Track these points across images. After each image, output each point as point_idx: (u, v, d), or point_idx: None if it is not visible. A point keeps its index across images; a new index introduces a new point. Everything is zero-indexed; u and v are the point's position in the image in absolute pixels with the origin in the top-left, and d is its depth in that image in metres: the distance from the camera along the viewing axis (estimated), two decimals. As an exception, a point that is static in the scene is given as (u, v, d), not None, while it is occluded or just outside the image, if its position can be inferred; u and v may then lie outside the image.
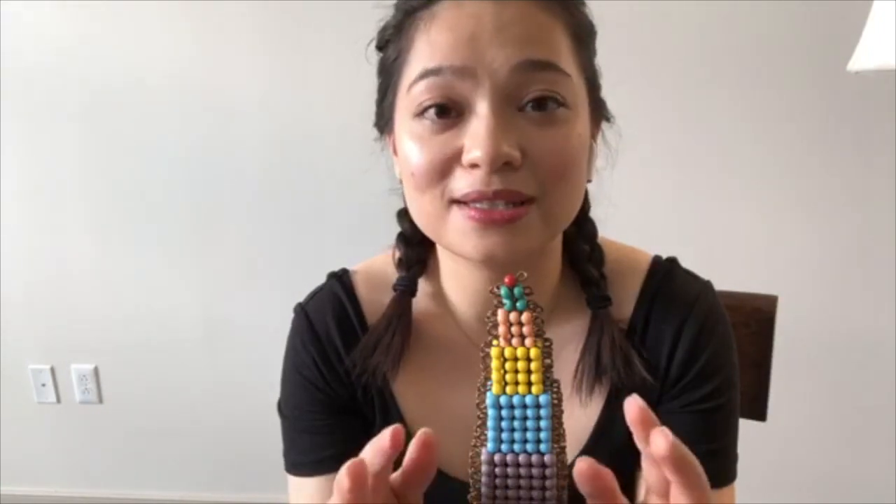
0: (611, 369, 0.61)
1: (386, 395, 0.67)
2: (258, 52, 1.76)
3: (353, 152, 1.82)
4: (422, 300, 0.67)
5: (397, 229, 0.69)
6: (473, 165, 0.52)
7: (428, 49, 0.53)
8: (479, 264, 0.59)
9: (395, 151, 0.61)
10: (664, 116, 1.66)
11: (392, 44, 0.59)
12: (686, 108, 1.66)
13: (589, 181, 0.62)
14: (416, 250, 0.67)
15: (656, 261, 0.68)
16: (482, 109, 0.51)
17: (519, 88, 0.52)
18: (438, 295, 0.67)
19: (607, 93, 0.63)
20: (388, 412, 0.67)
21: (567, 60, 0.54)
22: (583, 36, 0.58)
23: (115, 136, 1.85)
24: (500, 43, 0.51)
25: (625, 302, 0.66)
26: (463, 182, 0.53)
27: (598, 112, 0.61)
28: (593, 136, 0.61)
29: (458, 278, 0.64)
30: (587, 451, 0.64)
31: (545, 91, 0.53)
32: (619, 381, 0.61)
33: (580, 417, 0.64)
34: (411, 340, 0.66)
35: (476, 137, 0.51)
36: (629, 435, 0.56)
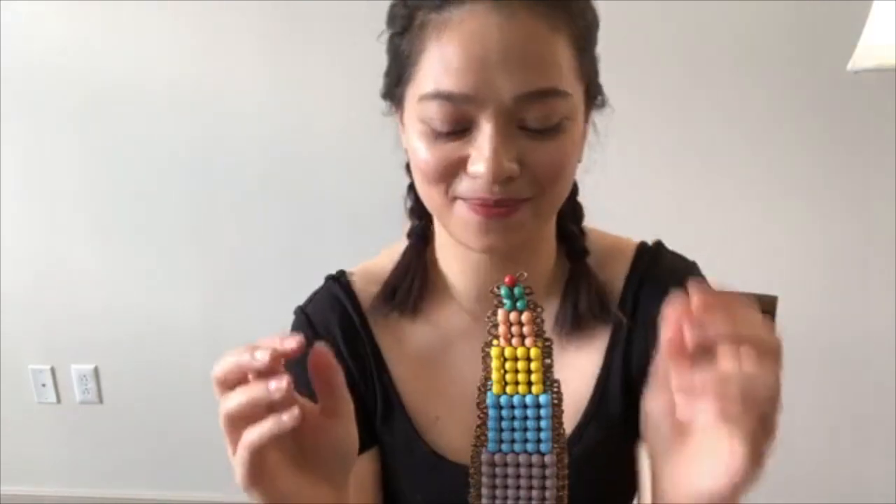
0: (587, 314, 0.65)
1: (385, 383, 0.68)
2: (258, 53, 1.76)
3: (352, 154, 1.82)
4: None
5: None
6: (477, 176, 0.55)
7: (440, 66, 0.55)
8: None
9: (402, 125, 0.63)
10: (663, 117, 1.66)
11: (404, 38, 0.59)
12: (686, 109, 1.66)
13: (579, 161, 0.63)
14: (420, 213, 0.70)
15: (643, 244, 0.71)
16: (487, 129, 0.54)
17: (521, 111, 0.55)
18: (434, 269, 0.70)
19: (610, 94, 0.63)
20: (389, 399, 0.68)
21: (568, 77, 0.56)
22: (585, 44, 0.59)
23: (114, 137, 1.85)
24: (507, 70, 0.53)
25: (614, 283, 0.68)
26: (468, 187, 0.57)
27: (593, 97, 0.63)
28: (585, 120, 0.62)
29: (455, 247, 0.66)
30: (589, 411, 0.66)
31: (547, 114, 0.55)
32: (616, 337, 0.66)
33: (576, 371, 0.66)
34: (411, 319, 0.68)
35: (481, 153, 0.54)
36: (624, 407, 0.57)
